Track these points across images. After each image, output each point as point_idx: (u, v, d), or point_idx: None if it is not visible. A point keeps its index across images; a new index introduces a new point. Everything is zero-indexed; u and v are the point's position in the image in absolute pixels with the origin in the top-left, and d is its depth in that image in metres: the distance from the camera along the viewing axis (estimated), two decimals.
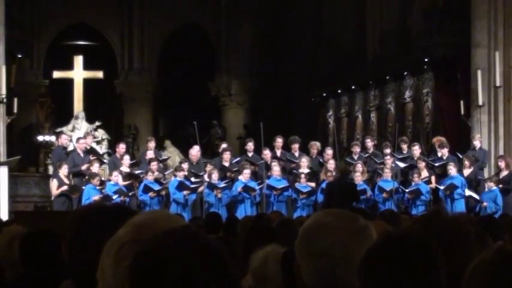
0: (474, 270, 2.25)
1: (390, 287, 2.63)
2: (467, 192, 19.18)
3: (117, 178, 19.90)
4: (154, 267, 2.07)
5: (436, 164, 20.09)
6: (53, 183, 20.29)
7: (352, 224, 3.00)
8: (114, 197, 19.36)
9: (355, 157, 21.07)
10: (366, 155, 21.36)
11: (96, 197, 19.15)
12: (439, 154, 20.34)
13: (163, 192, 20.07)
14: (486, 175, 20.01)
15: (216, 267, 2.08)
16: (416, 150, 20.72)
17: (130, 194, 20.03)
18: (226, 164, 20.71)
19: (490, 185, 19.02)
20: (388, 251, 2.66)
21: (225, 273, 2.08)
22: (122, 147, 21.57)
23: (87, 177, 20.10)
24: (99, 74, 31.78)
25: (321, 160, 21.14)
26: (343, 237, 2.93)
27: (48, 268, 5.40)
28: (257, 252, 4.67)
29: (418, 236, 2.78)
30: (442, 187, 19.43)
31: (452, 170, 19.36)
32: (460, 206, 19.13)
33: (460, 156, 19.95)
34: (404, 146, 21.28)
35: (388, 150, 20.73)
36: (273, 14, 34.12)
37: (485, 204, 18.80)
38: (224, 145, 22.42)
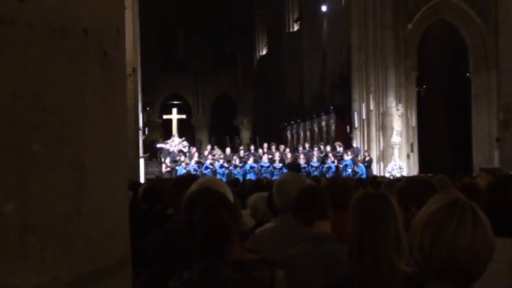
0: (352, 203, 2.09)
1: (300, 211, 2.59)
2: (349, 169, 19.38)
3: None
4: (191, 205, 1.96)
5: (337, 154, 20.34)
6: (163, 166, 20.49)
7: (300, 179, 2.95)
8: (192, 170, 19.47)
9: (300, 152, 21.10)
10: (305, 151, 21.33)
11: (184, 171, 19.02)
12: (338, 149, 20.49)
13: (214, 169, 20.10)
14: (358, 159, 20.32)
15: (223, 203, 1.94)
16: (328, 148, 20.51)
17: (198, 170, 20.16)
18: (241, 155, 20.74)
19: (357, 163, 19.21)
20: (302, 194, 2.65)
21: (228, 205, 1.95)
22: (193, 150, 21.27)
23: (179, 163, 20.16)
24: (184, 116, 31.95)
25: (283, 154, 21.48)
26: (295, 184, 2.84)
27: (159, 203, 5.19)
28: (250, 197, 4.29)
29: (314, 188, 2.76)
30: (341, 165, 19.15)
31: (347, 156, 19.19)
32: (348, 174, 19.31)
33: (347, 150, 20.34)
34: (322, 147, 21.58)
35: (316, 148, 20.62)
36: (264, 85, 34.40)
37: (357, 171, 19.10)
38: (241, 147, 22.54)
